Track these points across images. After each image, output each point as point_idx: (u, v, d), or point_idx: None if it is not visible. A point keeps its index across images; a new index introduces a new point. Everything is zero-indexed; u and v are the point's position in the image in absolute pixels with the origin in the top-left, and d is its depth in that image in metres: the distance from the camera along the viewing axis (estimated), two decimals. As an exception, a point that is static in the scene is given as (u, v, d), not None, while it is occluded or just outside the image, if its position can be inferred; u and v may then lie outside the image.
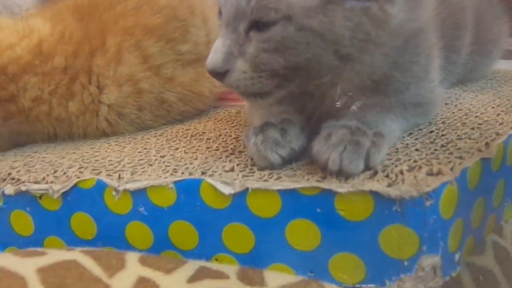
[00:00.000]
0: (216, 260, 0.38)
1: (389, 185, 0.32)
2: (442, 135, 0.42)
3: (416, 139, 0.41)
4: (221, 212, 0.37)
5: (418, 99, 0.42)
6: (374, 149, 0.34)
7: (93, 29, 0.53)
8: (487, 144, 0.38)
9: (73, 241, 0.42)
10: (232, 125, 0.55)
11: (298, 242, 0.35)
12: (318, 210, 0.34)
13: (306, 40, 0.32)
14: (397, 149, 0.39)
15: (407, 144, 0.40)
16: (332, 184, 0.33)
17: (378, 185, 0.32)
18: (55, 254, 0.36)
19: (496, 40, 0.62)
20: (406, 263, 0.33)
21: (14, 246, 0.44)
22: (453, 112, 0.50)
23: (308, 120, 0.41)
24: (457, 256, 0.35)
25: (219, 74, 0.35)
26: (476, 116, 0.48)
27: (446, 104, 0.55)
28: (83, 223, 0.41)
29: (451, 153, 0.36)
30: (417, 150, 0.38)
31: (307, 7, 0.32)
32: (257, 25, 0.33)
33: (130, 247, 0.40)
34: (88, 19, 0.54)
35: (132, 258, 0.36)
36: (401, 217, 0.32)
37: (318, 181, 0.34)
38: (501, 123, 0.44)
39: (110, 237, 0.41)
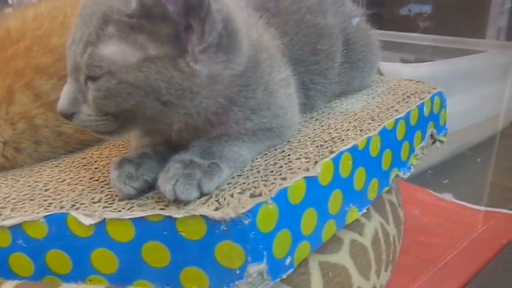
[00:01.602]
0: (90, 281, 0.44)
1: (216, 209, 0.39)
2: (288, 155, 0.49)
3: (265, 160, 0.48)
4: (87, 239, 0.42)
5: (266, 125, 0.48)
6: (205, 179, 0.40)
7: (-17, 73, 0.57)
8: (315, 163, 0.45)
9: (-36, 274, 0.46)
10: (125, 151, 0.60)
11: (153, 261, 0.41)
12: (165, 233, 0.40)
13: (127, 91, 0.39)
14: (242, 172, 0.45)
15: (253, 166, 0.47)
16: (171, 211, 0.39)
17: (207, 209, 0.38)
18: None
19: (365, 58, 0.70)
20: (238, 272, 0.39)
21: None
22: (314, 129, 0.57)
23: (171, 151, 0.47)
24: (288, 260, 0.42)
25: (67, 116, 0.41)
26: (328, 133, 0.55)
27: (316, 119, 0.62)
28: (-30, 257, 0.46)
29: (280, 174, 0.43)
30: (258, 172, 0.45)
31: (126, 64, 0.38)
32: (92, 77, 0.39)
33: (16, 276, 0.45)
34: (-21, 63, 0.58)
35: (7, 286, 0.41)
36: (228, 235, 0.38)
37: (161, 209, 0.40)
38: (342, 140, 0.52)
39: (-3, 268, 0.45)
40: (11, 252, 0.44)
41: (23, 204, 0.46)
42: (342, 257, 0.53)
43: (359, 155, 0.51)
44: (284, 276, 0.42)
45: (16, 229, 0.43)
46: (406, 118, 0.61)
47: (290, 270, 0.42)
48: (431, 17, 2.23)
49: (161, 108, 0.40)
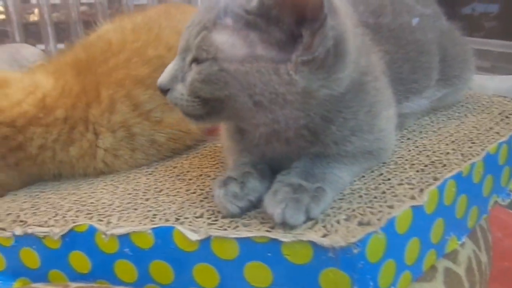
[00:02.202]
0: (190, 293, 0.45)
1: (324, 235, 0.38)
2: (388, 179, 0.47)
3: (365, 183, 0.47)
4: (191, 254, 0.43)
5: (365, 148, 0.47)
6: (313, 204, 0.40)
7: (89, 83, 0.60)
8: (421, 190, 0.44)
9: (72, 274, 0.49)
10: (214, 162, 0.62)
11: (255, 280, 0.41)
12: (269, 254, 0.40)
13: (225, 80, 0.40)
14: (343, 195, 0.45)
15: (354, 190, 0.46)
16: (278, 234, 0.39)
17: (314, 235, 0.38)
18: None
19: (460, 74, 0.67)
20: (342, 299, 0.38)
21: (24, 277, 0.52)
22: (409, 150, 0.55)
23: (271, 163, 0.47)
24: (390, 291, 0.41)
25: (164, 90, 0.44)
26: (427, 156, 0.53)
27: (408, 139, 0.60)
28: (79, 260, 0.48)
29: (385, 201, 0.42)
30: (360, 197, 0.44)
31: (231, 55, 0.39)
32: (197, 59, 0.41)
33: (119, 281, 0.47)
34: (85, 73, 0.61)
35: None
36: (335, 262, 0.38)
37: (267, 231, 0.40)
38: (444, 165, 0.49)
39: (102, 272, 0.48)
40: (117, 258, 0.47)
41: (128, 213, 0.49)
42: (437, 286, 0.51)
43: (463, 182, 0.49)
44: (387, 307, 0.40)
45: (124, 238, 0.45)
46: (510, 142, 0.57)
47: (392, 301, 0.41)
48: (498, 17, 2.08)
49: (251, 106, 0.40)
